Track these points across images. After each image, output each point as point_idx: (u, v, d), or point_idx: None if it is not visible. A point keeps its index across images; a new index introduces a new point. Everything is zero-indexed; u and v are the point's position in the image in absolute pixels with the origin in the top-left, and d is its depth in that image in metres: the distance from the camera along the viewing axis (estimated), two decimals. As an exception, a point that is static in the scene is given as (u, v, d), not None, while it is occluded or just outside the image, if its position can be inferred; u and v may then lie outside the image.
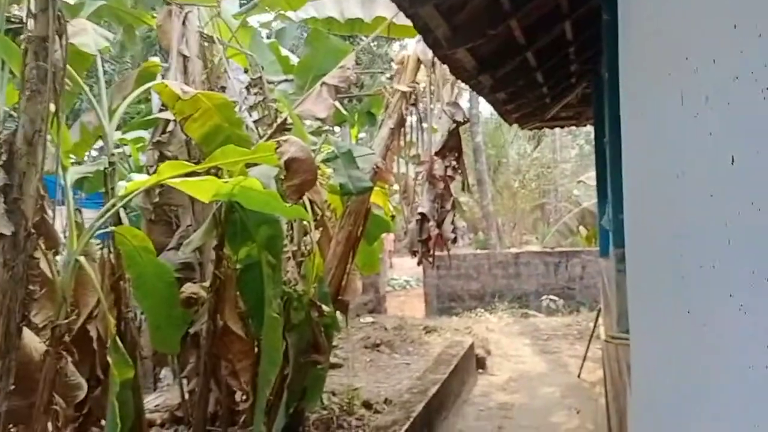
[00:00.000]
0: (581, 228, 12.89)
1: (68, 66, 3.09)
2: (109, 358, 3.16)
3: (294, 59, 5.89)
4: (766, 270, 0.67)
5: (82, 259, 3.20)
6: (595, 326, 8.29)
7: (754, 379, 0.64)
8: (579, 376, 7.95)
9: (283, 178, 3.64)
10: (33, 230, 2.71)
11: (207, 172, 4.18)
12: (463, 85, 5.20)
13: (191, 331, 4.46)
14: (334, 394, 6.28)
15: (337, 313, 5.53)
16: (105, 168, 3.79)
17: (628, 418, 2.39)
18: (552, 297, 13.43)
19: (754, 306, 0.67)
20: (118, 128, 5.96)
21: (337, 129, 9.46)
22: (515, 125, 8.01)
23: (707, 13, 0.83)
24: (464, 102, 17.80)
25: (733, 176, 0.70)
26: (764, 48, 0.62)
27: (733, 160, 0.68)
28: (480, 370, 8.47)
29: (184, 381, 5.12)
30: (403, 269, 21.99)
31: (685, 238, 0.92)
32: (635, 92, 1.24)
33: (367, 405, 6.22)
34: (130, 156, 6.95)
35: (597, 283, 11.32)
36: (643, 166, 1.21)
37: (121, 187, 3.82)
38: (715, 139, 0.76)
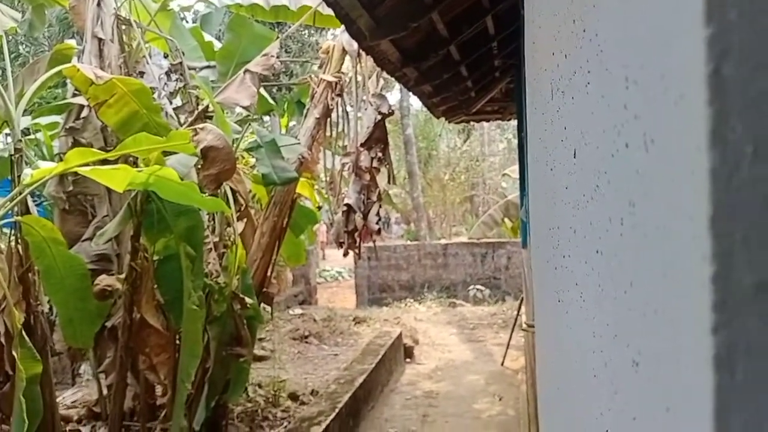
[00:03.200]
0: (506, 219, 13.21)
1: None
2: (14, 353, 3.01)
3: (218, 45, 5.75)
4: (596, 258, 0.69)
5: (-17, 250, 3.04)
6: (517, 315, 8.54)
7: (592, 364, 0.66)
8: (502, 364, 8.17)
9: (200, 167, 3.56)
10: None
11: (125, 161, 4.04)
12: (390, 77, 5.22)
13: (108, 324, 4.30)
14: (260, 386, 6.22)
15: (263, 305, 5.47)
16: (10, 154, 3.60)
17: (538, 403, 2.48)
18: (479, 287, 13.74)
19: (588, 293, 0.70)
20: (30, 113, 5.68)
21: (267, 119, 9.33)
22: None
23: (562, 10, 0.86)
24: (395, 94, 17.92)
25: (575, 169, 0.72)
26: (591, 42, 0.65)
27: (575, 154, 0.70)
28: (407, 360, 8.58)
29: (102, 376, 4.95)
30: (336, 261, 21.99)
31: (555, 229, 0.95)
32: (531, 87, 1.28)
33: (293, 397, 6.20)
34: (44, 143, 6.62)
35: (521, 273, 11.66)
36: (534, 160, 1.25)
37: (29, 175, 3.63)
38: (567, 133, 0.79)
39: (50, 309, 4.40)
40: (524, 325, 6.20)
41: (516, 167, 10.72)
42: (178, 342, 4.19)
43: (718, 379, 0.39)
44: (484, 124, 20.91)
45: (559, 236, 0.85)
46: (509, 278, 14.05)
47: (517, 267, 13.39)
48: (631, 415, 0.57)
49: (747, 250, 0.40)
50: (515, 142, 10.49)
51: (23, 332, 3.11)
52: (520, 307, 8.50)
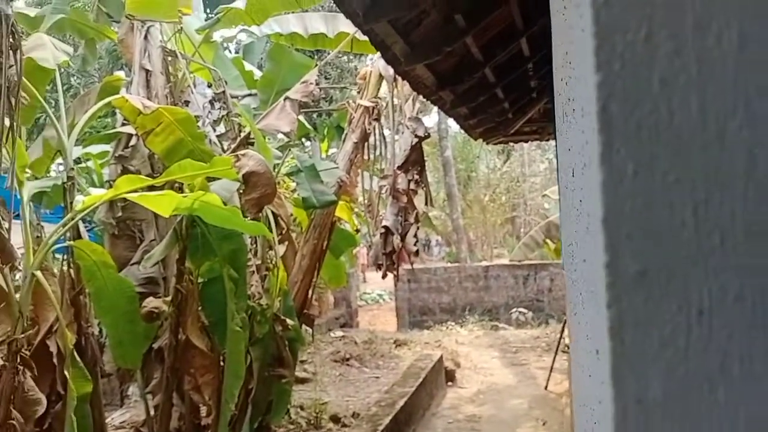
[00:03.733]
0: (548, 241, 13.06)
1: (27, 80, 3.10)
2: (66, 373, 3.14)
3: (258, 74, 5.93)
4: (582, 265, 0.75)
5: (38, 273, 3.18)
6: (561, 338, 8.41)
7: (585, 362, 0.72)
8: (546, 388, 8.04)
9: (242, 192, 3.67)
10: (-13, 245, 2.70)
11: (171, 187, 4.19)
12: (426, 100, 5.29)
13: (155, 346, 4.43)
14: (302, 408, 6.26)
15: (304, 327, 5.55)
16: (63, 182, 3.78)
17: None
18: (521, 309, 13.57)
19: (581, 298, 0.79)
20: (81, 142, 5.93)
21: (308, 144, 9.52)
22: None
23: (558, 41, 0.93)
24: (433, 116, 18.01)
25: (575, 187, 0.78)
26: (571, 77, 0.75)
27: (573, 173, 0.75)
28: (449, 383, 8.52)
29: (149, 396, 5.07)
30: (377, 284, 22.04)
31: (569, 246, 0.99)
32: (555, 108, 1.31)
33: (334, 419, 6.22)
34: (94, 171, 6.90)
35: (564, 295, 11.49)
36: (560, 179, 1.29)
37: (80, 201, 3.80)
38: (569, 154, 0.85)
39: (99, 331, 4.56)
40: (565, 347, 6.11)
41: (556, 188, 10.65)
42: (222, 363, 4.28)
43: (612, 345, 0.53)
44: (524, 144, 20.81)
45: (573, 254, 0.90)
46: (552, 300, 13.85)
47: (561, 289, 13.20)
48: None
49: (631, 244, 0.53)
50: (555, 162, 10.46)
51: (75, 353, 3.23)
52: (563, 330, 8.38)
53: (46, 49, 4.15)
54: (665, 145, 0.55)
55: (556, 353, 8.27)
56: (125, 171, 4.69)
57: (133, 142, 4.84)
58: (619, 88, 0.54)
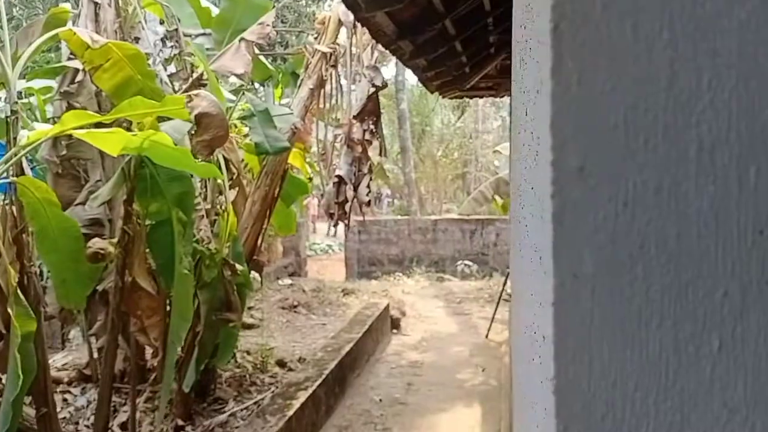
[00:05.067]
0: (496, 197, 13.29)
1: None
2: (10, 310, 3.08)
3: (215, 12, 5.73)
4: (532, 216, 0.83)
5: (-21, 209, 3.08)
6: (503, 289, 8.69)
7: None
8: (487, 337, 8.33)
9: (193, 133, 3.60)
10: (-77, 177, 2.59)
11: (119, 125, 4.07)
12: (384, 50, 5.23)
13: (99, 288, 4.37)
14: (248, 353, 6.33)
15: (253, 273, 5.55)
16: (6, 116, 3.62)
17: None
18: (467, 262, 13.88)
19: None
20: (24, 77, 5.66)
21: (260, 89, 9.31)
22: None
23: None
24: (391, 68, 17.82)
25: (527, 121, 0.86)
26: (532, 21, 0.81)
27: (526, 112, 0.83)
28: (394, 331, 8.71)
29: (93, 339, 5.03)
30: (329, 234, 22.08)
31: (517, 191, 1.05)
32: (513, 59, 1.34)
33: (281, 363, 6.31)
34: (37, 107, 6.61)
35: (509, 249, 11.78)
36: (513, 128, 1.33)
37: (24, 136, 3.66)
38: (524, 96, 0.91)
39: (40, 271, 4.46)
40: (507, 296, 6.32)
41: (507, 144, 10.80)
42: (168, 306, 4.26)
43: (554, 227, 0.66)
44: (479, 101, 20.87)
45: (521, 192, 0.94)
46: (497, 254, 14.20)
47: (506, 243, 13.53)
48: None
49: (573, 144, 0.65)
50: (509, 120, 10.58)
51: (18, 291, 3.17)
52: (505, 282, 8.64)
53: (-14, -26, 3.90)
54: (604, 59, 0.65)
55: (497, 304, 8.54)
56: (71, 107, 4.52)
57: (79, 77, 4.65)
58: (568, 10, 0.65)
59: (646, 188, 0.65)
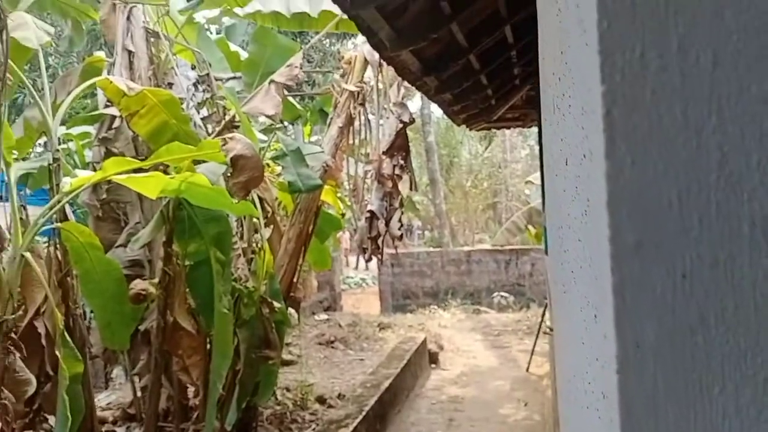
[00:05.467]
0: (529, 226, 13.20)
1: (9, 60, 3.08)
2: (57, 353, 3.16)
3: (244, 55, 5.91)
4: (576, 245, 0.86)
5: (27, 254, 3.19)
6: (542, 321, 8.55)
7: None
8: (527, 370, 8.19)
9: (229, 175, 3.69)
10: (-24, 226, 2.71)
11: (154, 169, 4.20)
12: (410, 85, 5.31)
13: (141, 328, 4.45)
14: (288, 390, 6.33)
15: (290, 309, 5.59)
16: (49, 164, 3.77)
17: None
18: (503, 293, 13.73)
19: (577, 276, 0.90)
20: (63, 123, 5.89)
21: (290, 128, 9.51)
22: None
23: (553, 38, 1.02)
24: (416, 102, 18.01)
25: (567, 175, 0.91)
26: (569, 74, 0.87)
27: (567, 162, 0.88)
28: (433, 365, 8.63)
29: (136, 378, 5.10)
30: (360, 268, 22.11)
31: (560, 230, 1.07)
32: (543, 98, 1.37)
33: (320, 400, 6.29)
34: (76, 152, 6.85)
35: (545, 279, 11.64)
36: (546, 166, 1.36)
37: (67, 183, 3.80)
38: (562, 144, 0.97)
39: (84, 312, 4.56)
40: (547, 329, 6.23)
41: (538, 174, 10.76)
42: (209, 345, 4.32)
43: (615, 302, 0.70)
44: (506, 131, 20.90)
45: (563, 237, 0.97)
46: (533, 285, 14.03)
47: (541, 274, 13.36)
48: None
49: (629, 221, 0.69)
50: (537, 149, 10.55)
51: (65, 333, 3.25)
52: (544, 314, 8.51)
53: (28, 29, 4.11)
54: (656, 143, 0.69)
55: (537, 336, 8.41)
56: (109, 153, 4.68)
57: (116, 123, 4.83)
58: (620, 96, 0.70)
59: (702, 262, 0.69)
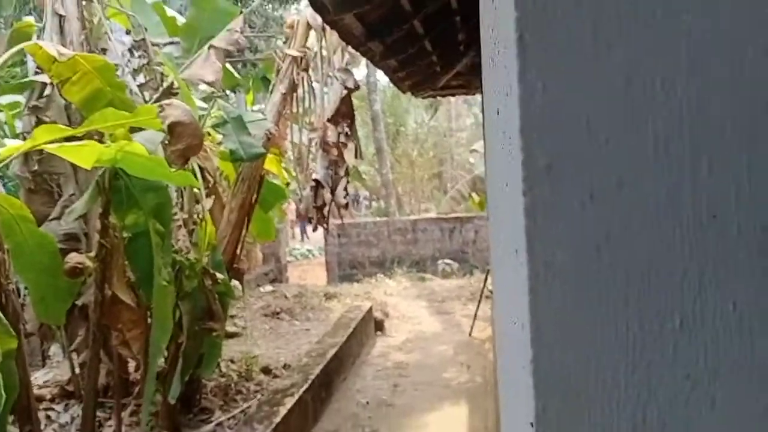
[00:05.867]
0: (473, 194, 13.39)
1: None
2: (-13, 330, 3.04)
3: (181, 20, 5.71)
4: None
5: (-49, 228, 3.04)
6: (484, 287, 8.74)
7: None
8: (470, 335, 8.38)
9: (167, 143, 3.58)
10: None
11: (91, 138, 4.04)
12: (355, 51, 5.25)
13: (79, 303, 4.33)
14: (232, 361, 6.30)
15: (234, 281, 5.53)
16: (-26, 133, 3.58)
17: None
18: (447, 261, 13.94)
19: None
20: (-11, 92, 5.59)
21: (232, 95, 9.29)
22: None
23: None
24: (362, 70, 17.84)
25: (498, 125, 0.91)
26: (501, 21, 0.87)
27: (498, 112, 0.88)
28: (378, 333, 8.73)
29: (74, 355, 4.97)
30: (304, 240, 22.02)
31: (492, 187, 1.09)
32: (483, 60, 1.38)
33: (266, 371, 6.29)
34: (6, 123, 6.52)
35: (488, 246, 11.86)
36: (487, 126, 1.36)
37: (-6, 153, 3.62)
38: (492, 97, 0.98)
39: (17, 289, 4.40)
40: (489, 293, 6.37)
41: (482, 143, 10.88)
42: (150, 318, 4.24)
43: (527, 222, 0.72)
44: (451, 99, 20.99)
45: (496, 192, 0.98)
46: (477, 252, 14.29)
47: (484, 240, 13.63)
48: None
49: (540, 143, 0.72)
50: (482, 117, 10.65)
51: (-5, 309, 3.13)
52: (486, 279, 8.70)
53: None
54: (565, 66, 0.71)
55: (479, 301, 8.60)
56: (40, 122, 4.47)
57: (47, 91, 4.61)
58: (531, 20, 0.71)
59: (609, 182, 0.71)
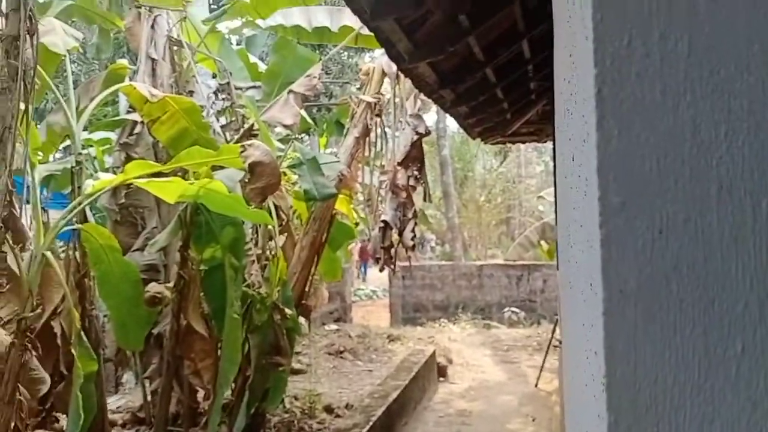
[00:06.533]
0: (542, 242, 13.18)
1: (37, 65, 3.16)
2: (73, 351, 3.22)
3: (263, 67, 6.00)
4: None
5: (48, 254, 3.26)
6: (552, 337, 8.51)
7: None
8: (536, 386, 8.15)
9: (247, 181, 3.75)
10: (1, 224, 2.78)
11: (174, 174, 4.27)
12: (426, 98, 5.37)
13: (154, 331, 4.51)
14: (296, 398, 6.35)
15: (301, 318, 5.63)
16: (72, 167, 3.85)
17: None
18: (514, 309, 13.67)
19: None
20: (85, 129, 6.01)
21: (306, 138, 9.61)
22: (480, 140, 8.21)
23: (564, 43, 1.11)
24: (432, 115, 18.07)
25: (573, 171, 0.99)
26: (575, 75, 0.97)
27: (573, 158, 0.97)
28: (441, 378, 8.61)
29: (147, 382, 5.15)
30: (371, 279, 22.11)
31: (566, 233, 1.14)
32: (556, 108, 1.43)
33: (328, 409, 6.31)
34: (95, 157, 6.96)
35: (557, 295, 11.58)
36: (559, 175, 1.41)
37: (87, 186, 3.88)
38: (570, 144, 1.04)
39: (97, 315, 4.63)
40: (557, 343, 6.22)
41: (552, 190, 10.76)
42: (220, 350, 4.36)
43: (602, 253, 0.80)
44: (521, 146, 20.87)
45: (570, 234, 1.03)
46: (545, 301, 13.96)
47: (553, 290, 13.31)
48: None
49: (615, 183, 0.81)
50: (552, 164, 10.53)
51: (81, 333, 3.31)
52: (554, 329, 8.48)
53: (56, 35, 4.22)
54: (639, 117, 0.81)
55: (547, 352, 8.37)
56: (129, 158, 4.77)
57: (137, 129, 4.92)
58: (609, 77, 0.82)
59: (676, 219, 0.80)
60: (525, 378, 8.72)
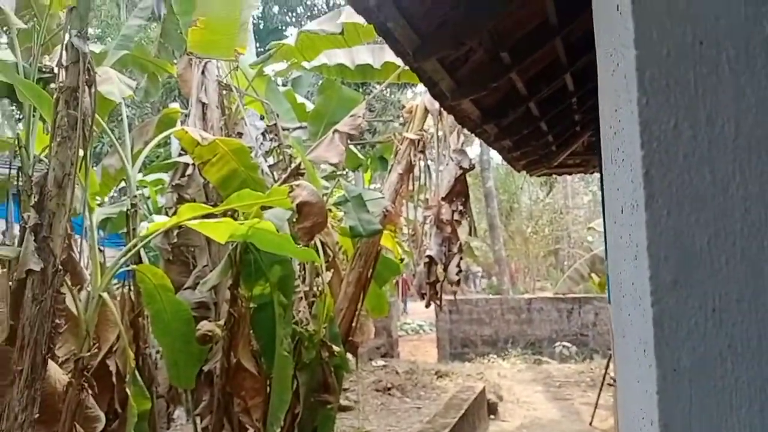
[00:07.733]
0: (593, 274, 12.88)
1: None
2: (128, 390, 3.29)
3: (310, 106, 6.14)
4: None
5: (105, 295, 3.37)
6: (606, 373, 8.28)
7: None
8: (591, 424, 7.91)
9: (295, 220, 3.82)
10: (60, 267, 2.89)
11: (224, 215, 4.38)
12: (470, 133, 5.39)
13: (205, 368, 4.57)
14: (344, 436, 6.32)
15: (348, 354, 5.63)
16: (128, 209, 4.00)
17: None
18: (565, 344, 13.35)
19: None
20: (139, 171, 6.24)
21: (351, 174, 9.74)
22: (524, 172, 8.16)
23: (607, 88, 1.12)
24: (475, 148, 18.05)
25: (624, 222, 1.00)
26: (617, 121, 0.99)
27: (622, 210, 0.99)
28: (491, 416, 8.45)
29: (198, 419, 5.21)
30: (417, 313, 21.96)
31: (618, 276, 1.14)
32: (603, 144, 1.43)
33: (376, 447, 6.25)
34: (149, 197, 7.20)
35: (609, 330, 11.27)
36: (607, 214, 1.41)
37: (142, 227, 4.01)
38: (619, 194, 1.05)
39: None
40: (611, 380, 6.03)
41: (601, 221, 10.56)
42: (269, 387, 4.39)
43: (654, 332, 0.81)
44: (567, 177, 20.64)
45: (621, 282, 1.03)
46: (597, 335, 13.59)
47: (605, 323, 12.96)
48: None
49: (666, 263, 0.82)
50: (599, 195, 10.37)
51: (136, 371, 3.39)
52: (608, 365, 8.24)
53: (112, 83, 4.42)
54: (688, 198, 0.83)
55: (601, 389, 8.13)
56: (181, 199, 4.92)
57: (189, 171, 5.07)
58: (656, 159, 0.84)
59: (729, 298, 0.81)
60: (579, 416, 8.48)
